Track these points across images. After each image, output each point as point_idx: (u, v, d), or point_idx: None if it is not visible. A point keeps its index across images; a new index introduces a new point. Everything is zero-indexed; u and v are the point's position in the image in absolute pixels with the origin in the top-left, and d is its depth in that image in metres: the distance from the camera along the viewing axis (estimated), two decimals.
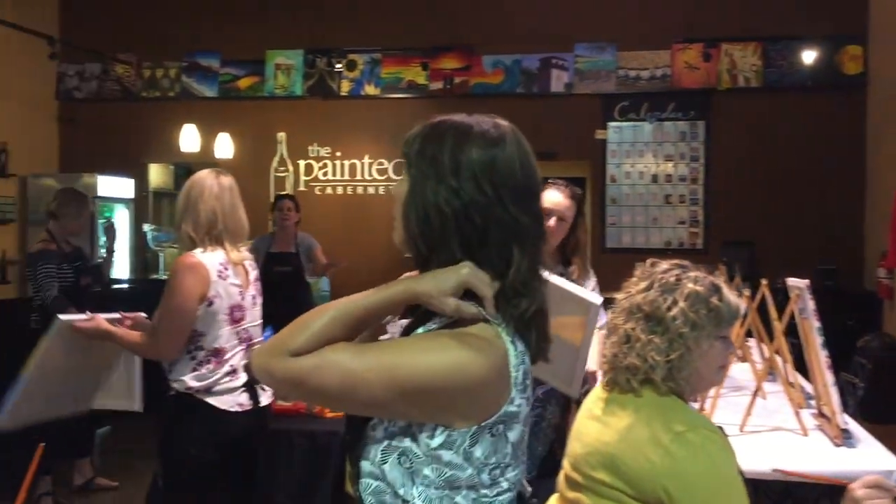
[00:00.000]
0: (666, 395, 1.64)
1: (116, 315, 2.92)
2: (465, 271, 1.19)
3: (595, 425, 1.69)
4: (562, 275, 2.93)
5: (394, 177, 7.52)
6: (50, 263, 4.51)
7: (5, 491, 4.26)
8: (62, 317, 2.87)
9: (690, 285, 1.64)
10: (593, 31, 7.20)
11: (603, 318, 2.80)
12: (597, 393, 1.80)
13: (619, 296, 1.76)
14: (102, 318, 2.88)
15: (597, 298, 2.53)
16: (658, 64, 7.11)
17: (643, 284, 1.69)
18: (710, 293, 1.65)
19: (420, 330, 1.26)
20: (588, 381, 2.63)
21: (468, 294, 1.19)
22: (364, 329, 1.24)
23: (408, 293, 1.21)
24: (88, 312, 2.93)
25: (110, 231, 5.12)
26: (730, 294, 1.68)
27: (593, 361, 2.69)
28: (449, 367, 1.14)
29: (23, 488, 1.59)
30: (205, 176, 2.91)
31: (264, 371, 1.19)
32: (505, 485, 1.21)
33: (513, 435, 1.20)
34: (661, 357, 1.60)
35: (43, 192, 7.32)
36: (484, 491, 1.19)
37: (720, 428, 1.68)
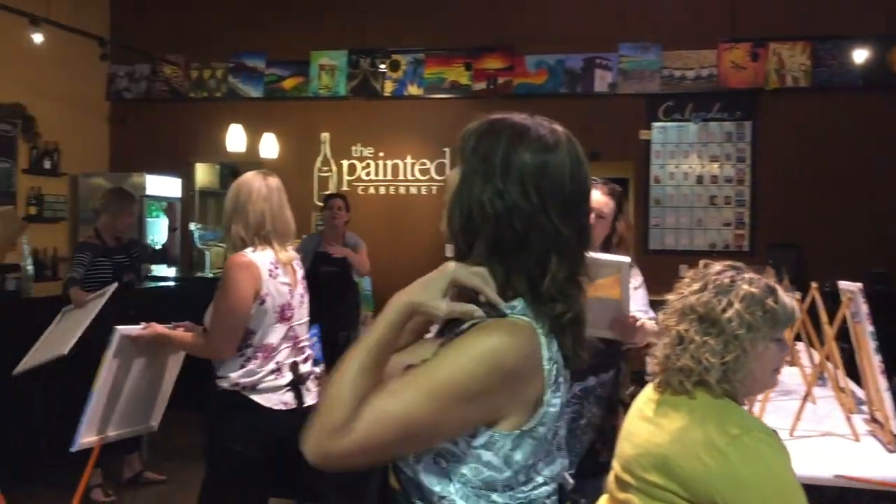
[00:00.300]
0: (720, 398, 1.63)
1: (168, 325, 3.01)
2: (451, 268, 1.19)
3: (647, 426, 1.69)
4: None
5: (436, 177, 7.54)
6: (84, 253, 4.63)
7: (56, 480, 4.37)
8: (120, 328, 2.95)
9: (746, 287, 1.63)
10: (638, 30, 7.14)
11: (638, 279, 3.00)
12: (647, 394, 1.79)
13: (670, 297, 1.75)
14: (157, 325, 2.97)
15: (625, 258, 2.69)
16: (704, 64, 7.03)
17: (696, 286, 1.68)
18: (766, 295, 1.63)
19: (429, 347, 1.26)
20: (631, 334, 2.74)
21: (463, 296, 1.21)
22: (388, 359, 1.22)
23: (404, 307, 1.19)
24: (143, 323, 3.02)
25: (171, 212, 5.20)
26: (785, 296, 1.67)
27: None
28: (482, 354, 1.14)
29: (84, 477, 1.63)
30: (252, 178, 2.96)
31: (324, 458, 1.15)
32: (540, 479, 1.22)
33: (549, 432, 1.22)
34: (715, 359, 1.59)
35: (93, 190, 7.49)
36: (520, 488, 1.21)
37: (774, 431, 1.66)
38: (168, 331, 2.97)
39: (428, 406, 1.12)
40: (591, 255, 2.61)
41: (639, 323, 2.75)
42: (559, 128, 1.28)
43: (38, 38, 6.19)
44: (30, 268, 4.98)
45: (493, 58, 7.40)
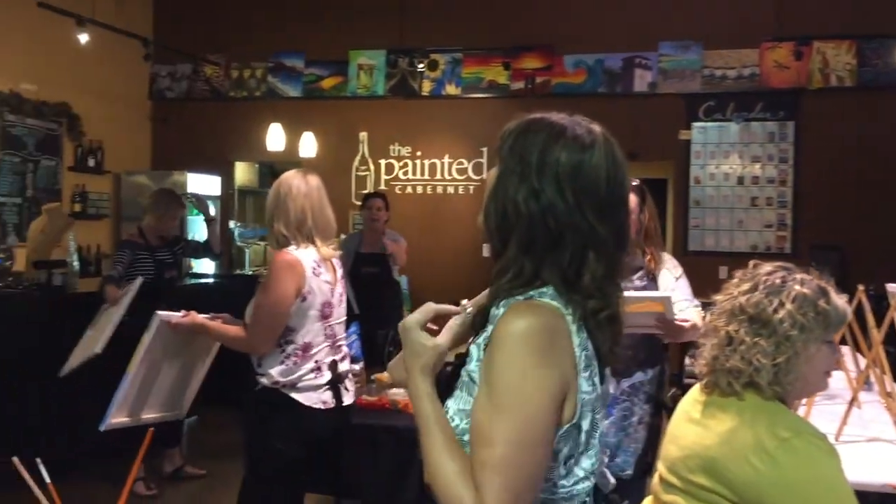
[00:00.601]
0: (770, 400, 1.60)
1: (207, 315, 3.04)
2: (407, 322, 1.25)
3: (694, 428, 1.67)
4: (640, 268, 3.03)
5: (473, 176, 7.54)
6: (124, 251, 4.68)
7: (101, 473, 4.45)
8: (160, 313, 2.99)
9: (797, 287, 1.61)
10: (678, 29, 7.08)
11: (679, 269, 3.13)
12: (693, 395, 1.77)
13: (718, 297, 1.73)
14: (197, 314, 3.00)
15: (666, 294, 2.84)
16: (746, 63, 6.95)
17: (746, 286, 1.66)
18: (818, 296, 1.61)
19: (473, 349, 1.26)
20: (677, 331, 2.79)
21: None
22: (441, 414, 1.21)
23: (422, 373, 1.22)
24: (183, 311, 3.05)
25: (201, 204, 5.16)
26: (837, 297, 1.64)
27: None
28: (515, 341, 1.14)
29: (133, 469, 1.66)
30: (292, 176, 2.98)
31: None
32: (581, 473, 1.22)
33: (585, 423, 1.21)
34: (767, 360, 1.57)
35: (135, 188, 7.62)
36: (561, 482, 1.21)
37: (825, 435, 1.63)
38: (207, 321, 3.00)
39: (516, 419, 1.12)
40: (633, 293, 2.79)
41: (688, 324, 2.75)
42: (597, 127, 1.27)
43: (83, 38, 6.31)
44: (75, 263, 5.06)
45: (531, 57, 7.39)
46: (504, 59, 7.42)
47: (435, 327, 1.31)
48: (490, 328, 1.22)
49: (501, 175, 1.26)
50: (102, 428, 2.95)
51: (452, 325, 1.27)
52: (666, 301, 2.73)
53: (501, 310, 1.22)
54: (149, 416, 3.13)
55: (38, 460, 1.51)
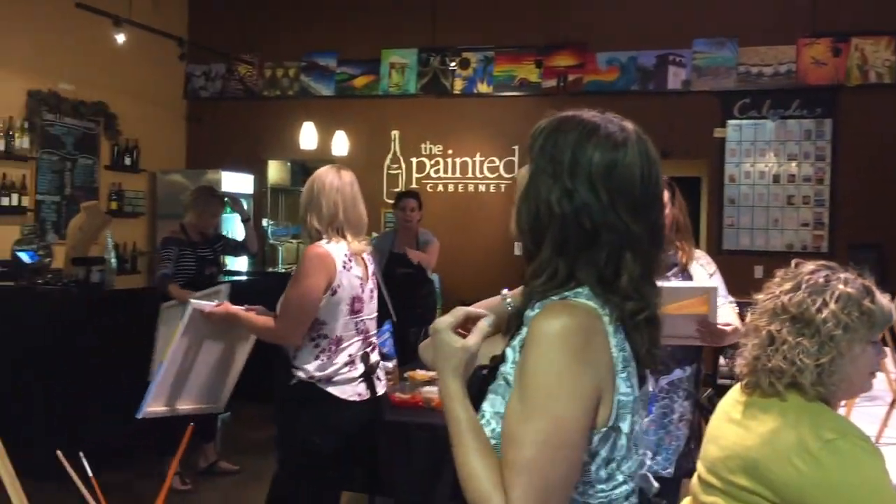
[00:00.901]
0: (813, 401, 1.58)
1: (241, 307, 3.07)
2: (439, 324, 1.25)
3: (734, 429, 1.65)
4: (674, 265, 3.00)
5: (505, 175, 7.53)
6: (170, 248, 4.75)
7: (139, 468, 4.51)
8: (193, 302, 3.03)
9: (841, 287, 1.58)
10: (713, 25, 7.00)
11: (712, 266, 3.09)
12: (734, 396, 1.75)
13: (759, 296, 1.71)
14: (230, 304, 3.04)
15: (712, 285, 2.77)
16: (782, 59, 6.85)
17: (788, 285, 1.64)
18: (863, 295, 1.58)
19: (509, 351, 1.24)
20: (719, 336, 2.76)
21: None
22: (471, 415, 1.20)
23: (452, 376, 1.21)
24: (217, 301, 3.09)
25: (237, 203, 5.25)
26: (881, 297, 1.62)
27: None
28: (551, 341, 1.12)
29: (172, 465, 1.68)
30: (326, 171, 3.02)
31: None
32: (620, 478, 1.20)
33: (625, 426, 1.19)
34: (810, 360, 1.55)
35: (170, 187, 7.70)
36: (600, 486, 1.19)
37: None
38: (238, 311, 3.03)
39: (545, 420, 1.11)
40: (677, 284, 2.71)
41: (730, 328, 2.72)
42: (629, 125, 1.26)
43: (120, 38, 6.39)
44: (113, 261, 5.14)
45: (563, 55, 7.35)
46: (536, 56, 7.39)
47: (464, 332, 1.30)
48: (525, 330, 1.20)
49: (533, 175, 1.24)
50: (139, 416, 2.97)
51: (482, 326, 1.26)
52: (710, 293, 2.67)
53: (536, 310, 1.21)
54: (186, 406, 3.16)
55: (81, 454, 1.53)
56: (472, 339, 1.23)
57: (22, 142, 6.36)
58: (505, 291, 1.40)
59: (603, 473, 1.18)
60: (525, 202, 1.25)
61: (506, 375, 1.22)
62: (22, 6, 6.43)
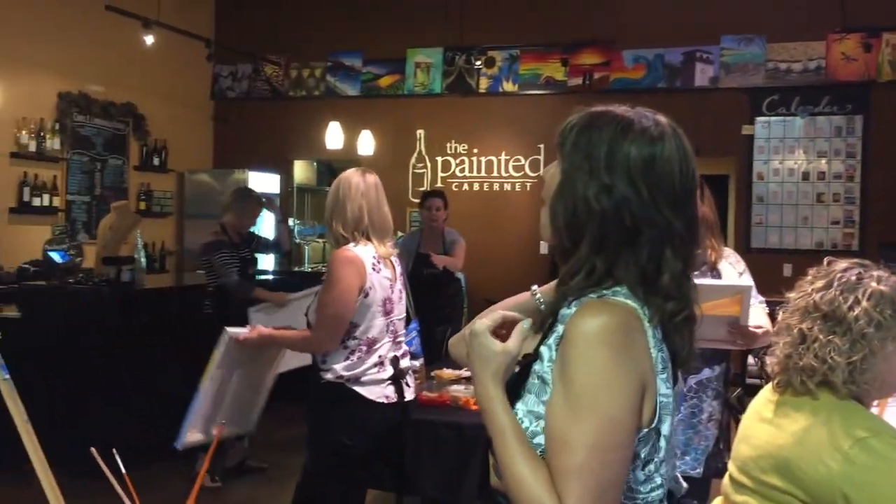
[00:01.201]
0: (845, 399, 1.56)
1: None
2: (477, 325, 1.22)
3: (766, 428, 1.64)
4: (703, 262, 2.99)
5: (530, 173, 7.51)
6: (222, 252, 4.79)
7: (169, 466, 4.55)
8: (229, 330, 3.04)
9: (874, 284, 1.56)
10: (741, 22, 6.93)
11: (742, 264, 3.04)
12: (765, 395, 1.73)
13: (791, 294, 1.69)
14: (262, 328, 3.07)
15: (747, 283, 2.75)
16: (811, 56, 6.77)
17: (820, 283, 1.62)
18: None
19: (544, 349, 1.22)
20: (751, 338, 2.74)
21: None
22: (514, 420, 1.19)
23: (493, 380, 1.19)
24: (249, 326, 3.12)
25: (271, 204, 5.34)
26: None
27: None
28: (592, 340, 1.11)
29: (204, 464, 1.69)
30: (351, 174, 3.02)
31: None
32: (658, 480, 1.19)
33: (665, 428, 1.18)
34: (841, 358, 1.53)
35: (198, 187, 7.77)
36: (637, 488, 1.17)
37: None
38: (272, 331, 3.07)
39: (595, 422, 1.09)
40: (712, 281, 2.67)
41: (762, 331, 2.69)
42: (663, 119, 1.24)
43: (149, 39, 6.46)
44: (143, 260, 5.20)
45: (589, 53, 7.32)
46: (562, 55, 7.37)
47: (503, 331, 1.29)
48: (560, 328, 1.18)
49: (567, 172, 1.22)
50: (179, 447, 2.96)
51: (523, 328, 1.23)
52: (745, 293, 2.65)
53: (573, 308, 1.18)
54: (223, 433, 3.19)
55: (114, 451, 1.55)
56: (513, 341, 1.21)
57: (53, 143, 6.46)
58: (535, 287, 1.38)
59: (641, 475, 1.17)
60: (560, 200, 1.22)
61: (541, 374, 1.20)
62: (52, 9, 6.53)
